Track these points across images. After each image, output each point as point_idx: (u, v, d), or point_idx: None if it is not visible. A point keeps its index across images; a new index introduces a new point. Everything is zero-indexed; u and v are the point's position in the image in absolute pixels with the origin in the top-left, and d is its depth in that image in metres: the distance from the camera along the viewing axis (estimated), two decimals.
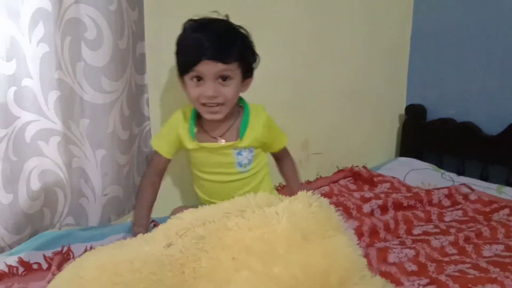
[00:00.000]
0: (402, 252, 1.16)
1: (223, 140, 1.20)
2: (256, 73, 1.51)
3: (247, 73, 1.19)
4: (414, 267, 1.11)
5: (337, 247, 0.77)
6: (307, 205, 0.80)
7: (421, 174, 1.75)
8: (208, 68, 1.10)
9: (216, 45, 1.10)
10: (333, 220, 0.80)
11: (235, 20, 1.31)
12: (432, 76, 1.88)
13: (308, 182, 1.66)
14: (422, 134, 1.88)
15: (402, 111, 1.94)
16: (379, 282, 0.79)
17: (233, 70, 1.13)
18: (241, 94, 1.23)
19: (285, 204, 0.81)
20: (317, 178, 1.71)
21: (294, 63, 1.62)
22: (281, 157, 1.36)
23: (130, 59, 1.21)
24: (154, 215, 1.28)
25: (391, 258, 1.14)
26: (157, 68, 1.34)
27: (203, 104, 1.14)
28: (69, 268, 0.77)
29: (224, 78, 1.12)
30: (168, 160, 1.26)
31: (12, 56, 1.03)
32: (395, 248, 1.19)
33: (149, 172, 1.28)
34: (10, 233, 1.07)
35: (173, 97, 1.32)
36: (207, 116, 1.16)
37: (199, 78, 1.12)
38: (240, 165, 1.22)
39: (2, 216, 1.06)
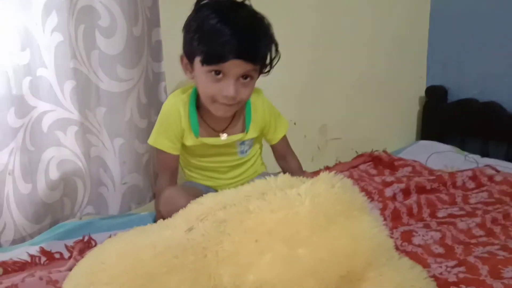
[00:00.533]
0: (427, 235, 1.13)
1: (225, 135, 1.14)
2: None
3: (263, 69, 1.10)
4: (440, 250, 1.08)
5: (363, 228, 0.74)
6: (330, 186, 0.78)
7: (443, 157, 1.70)
8: (235, 67, 1.00)
9: (246, 43, 0.99)
10: (357, 201, 0.78)
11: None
12: (453, 56, 1.82)
13: (327, 168, 1.63)
14: (444, 116, 1.83)
15: (422, 93, 1.89)
16: (407, 263, 0.77)
17: (256, 70, 1.06)
18: None
19: (307, 186, 0.79)
20: (336, 164, 1.68)
21: (310, 46, 1.59)
22: (285, 154, 1.29)
23: (146, 46, 1.20)
24: None
25: (416, 240, 1.11)
26: (175, 55, 1.32)
27: (218, 102, 1.05)
28: (91, 255, 0.77)
29: (246, 77, 1.03)
30: (175, 156, 1.16)
31: (26, 46, 1.03)
32: (420, 231, 1.16)
33: (162, 179, 1.17)
34: (30, 223, 1.08)
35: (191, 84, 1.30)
36: (217, 113, 1.07)
37: (218, 73, 1.01)
38: (242, 152, 1.21)
39: (22, 206, 1.06)
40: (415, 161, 1.65)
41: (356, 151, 1.72)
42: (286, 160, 1.30)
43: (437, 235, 1.13)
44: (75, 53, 1.09)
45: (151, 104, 1.26)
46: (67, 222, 1.18)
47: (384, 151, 1.71)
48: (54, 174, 1.12)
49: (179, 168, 1.22)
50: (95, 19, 1.09)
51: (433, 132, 1.86)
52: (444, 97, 1.84)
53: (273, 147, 1.28)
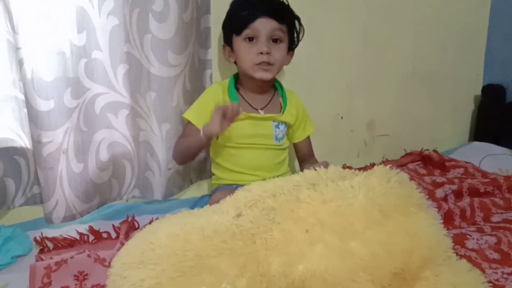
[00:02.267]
0: (482, 239, 1.07)
1: (263, 112, 1.21)
2: (321, 50, 1.46)
3: (292, 44, 1.22)
4: (496, 255, 1.02)
5: (420, 225, 0.70)
6: (385, 180, 0.75)
7: (498, 160, 1.61)
8: (263, 24, 1.13)
9: (272, 4, 1.15)
10: (414, 197, 0.74)
11: None
12: None
13: (373, 165, 1.58)
14: (500, 116, 1.73)
15: (478, 92, 1.80)
16: (465, 266, 0.72)
17: (284, 33, 1.17)
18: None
19: (360, 179, 0.76)
20: (383, 161, 1.62)
21: (360, 40, 1.54)
22: (309, 155, 1.33)
23: (194, 33, 1.20)
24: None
25: (470, 244, 1.05)
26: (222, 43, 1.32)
27: (256, 64, 1.14)
28: (140, 235, 0.77)
29: (276, 40, 1.15)
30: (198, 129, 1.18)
31: (83, 28, 1.05)
32: (473, 235, 1.10)
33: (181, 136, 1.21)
34: (81, 201, 1.10)
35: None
36: (258, 74, 1.15)
37: (251, 38, 1.14)
38: (276, 138, 1.24)
39: (74, 185, 1.09)
40: (467, 162, 1.57)
41: (404, 149, 1.66)
42: (310, 162, 1.30)
43: (492, 240, 1.08)
44: (128, 37, 1.10)
45: (195, 90, 1.26)
46: (114, 203, 1.20)
47: (435, 151, 1.64)
48: (104, 156, 1.14)
49: None
50: (149, 3, 1.09)
51: (488, 133, 1.76)
52: (502, 97, 1.74)
53: (297, 146, 1.33)
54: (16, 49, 0.98)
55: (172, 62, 1.15)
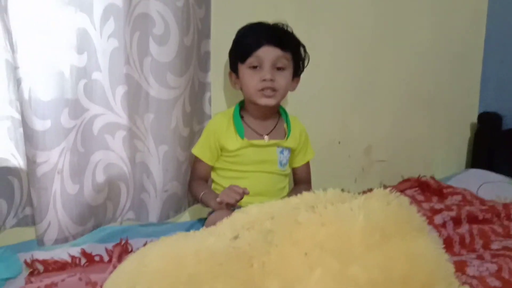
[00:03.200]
0: (483, 266, 1.05)
1: (267, 137, 1.23)
2: (317, 75, 1.47)
3: (297, 70, 1.24)
4: (497, 283, 1.00)
5: (421, 250, 0.69)
6: (385, 203, 0.73)
7: (495, 187, 1.60)
8: (267, 53, 1.15)
9: (275, 32, 1.18)
10: (415, 221, 0.73)
11: (297, 18, 1.29)
12: (509, 81, 1.74)
13: (371, 191, 1.57)
14: (497, 144, 1.74)
15: (474, 119, 1.81)
16: None
17: (288, 60, 1.18)
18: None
19: (360, 202, 0.75)
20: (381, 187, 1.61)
21: (357, 65, 1.56)
22: (304, 181, 1.34)
23: (194, 56, 1.21)
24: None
25: (471, 271, 1.03)
26: (222, 67, 1.33)
27: (260, 90, 1.16)
28: (133, 257, 0.75)
29: (280, 68, 1.17)
30: (211, 168, 1.26)
31: (84, 49, 1.05)
32: (473, 262, 1.08)
33: (193, 178, 1.26)
34: (74, 224, 1.08)
35: (236, 97, 1.30)
36: (261, 101, 1.17)
37: (256, 67, 1.16)
38: (281, 164, 1.25)
39: (68, 206, 1.07)
40: (465, 189, 1.57)
41: (402, 176, 1.65)
42: (303, 188, 1.26)
43: (493, 267, 1.06)
44: (128, 59, 1.11)
45: (194, 113, 1.26)
46: (108, 226, 1.18)
47: (432, 177, 1.63)
48: (100, 177, 1.13)
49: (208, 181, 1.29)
50: (150, 26, 1.10)
51: (485, 160, 1.77)
52: (498, 125, 1.75)
53: (296, 171, 1.33)
54: (14, 68, 0.98)
55: (172, 84, 1.16)
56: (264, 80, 1.14)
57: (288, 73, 1.19)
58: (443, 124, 1.78)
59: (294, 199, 0.82)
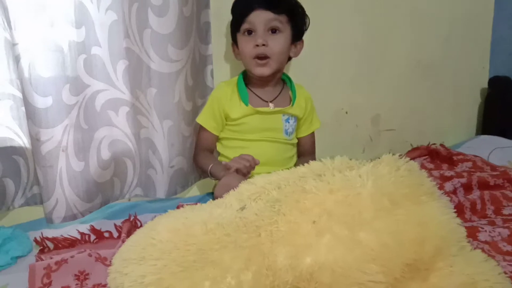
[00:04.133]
0: (494, 231, 1.04)
1: (272, 105, 1.21)
2: (322, 44, 1.44)
3: (298, 34, 1.20)
4: (509, 247, 0.98)
5: (432, 214, 0.68)
6: (395, 169, 0.72)
7: (507, 153, 1.58)
8: (258, 16, 1.13)
9: None
10: (425, 185, 0.71)
11: None
12: None
13: None
14: (508, 109, 1.70)
15: (485, 84, 1.76)
16: (480, 256, 0.69)
17: (283, 23, 1.15)
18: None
19: (368, 168, 0.73)
20: None
21: (362, 34, 1.51)
22: (309, 152, 1.32)
23: (194, 27, 1.18)
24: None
25: (482, 236, 1.02)
26: (222, 38, 1.30)
27: (254, 58, 1.14)
28: (141, 231, 0.75)
29: (274, 30, 1.14)
30: (216, 138, 1.24)
31: (82, 23, 1.03)
32: (485, 227, 1.06)
33: (198, 150, 1.25)
34: (82, 201, 1.08)
35: (238, 69, 1.28)
36: (256, 70, 1.15)
37: (250, 32, 1.15)
38: (286, 132, 1.24)
39: (75, 183, 1.07)
40: (475, 156, 1.54)
41: (411, 144, 1.62)
42: (308, 158, 1.26)
43: (505, 232, 1.04)
44: (128, 32, 1.08)
45: (197, 86, 1.24)
46: (116, 203, 1.18)
47: (442, 145, 1.60)
48: (105, 154, 1.12)
49: (213, 152, 1.28)
50: None
51: (496, 126, 1.73)
52: (509, 89, 1.71)
53: (300, 141, 1.31)
54: (12, 45, 0.96)
55: (173, 57, 1.13)
56: (257, 45, 1.13)
57: (283, 36, 1.15)
58: (452, 91, 1.74)
59: (301, 168, 0.80)
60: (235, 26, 1.18)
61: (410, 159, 1.55)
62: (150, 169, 1.19)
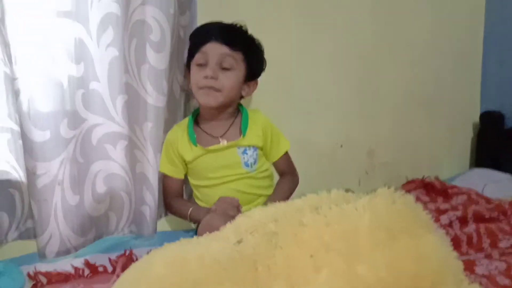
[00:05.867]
0: (491, 265, 1.03)
1: (225, 140, 1.16)
2: (317, 78, 1.47)
3: (252, 74, 1.17)
4: (507, 281, 0.98)
5: (428, 248, 0.68)
6: (391, 202, 0.72)
7: (500, 186, 1.59)
8: (213, 49, 1.11)
9: (224, 30, 1.13)
10: (421, 218, 0.71)
11: (297, 23, 1.27)
12: (509, 79, 1.73)
13: None
14: (500, 143, 1.72)
15: (477, 119, 1.80)
16: None
17: (237, 60, 1.13)
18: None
19: (365, 201, 0.74)
20: None
21: (358, 67, 1.55)
22: (285, 172, 1.26)
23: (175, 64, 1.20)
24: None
25: (480, 270, 1.02)
26: None
27: (201, 88, 1.12)
28: (138, 265, 0.74)
29: (226, 68, 1.12)
30: (181, 181, 1.20)
31: (80, 59, 1.05)
32: (482, 261, 1.06)
33: (168, 198, 1.21)
34: (76, 235, 1.07)
35: None
36: (202, 99, 1.13)
37: (203, 65, 1.12)
38: (246, 164, 1.17)
39: (69, 217, 1.06)
40: (470, 189, 1.55)
41: (406, 177, 1.63)
42: (283, 178, 1.25)
43: (502, 265, 1.04)
44: (127, 68, 1.10)
45: None
46: (111, 237, 1.16)
47: (436, 178, 1.61)
48: (101, 187, 1.12)
49: (183, 195, 1.25)
50: (146, 33, 1.10)
51: (489, 160, 1.75)
52: (500, 123, 1.74)
53: (276, 165, 1.25)
54: (12, 79, 0.98)
55: (167, 92, 1.15)
56: (205, 77, 1.10)
57: (234, 74, 1.12)
58: (445, 125, 1.77)
59: (297, 201, 0.81)
60: (190, 53, 1.16)
61: (406, 192, 1.58)
62: (143, 205, 1.18)
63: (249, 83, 1.18)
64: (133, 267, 0.75)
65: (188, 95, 1.28)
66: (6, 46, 0.97)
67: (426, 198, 1.54)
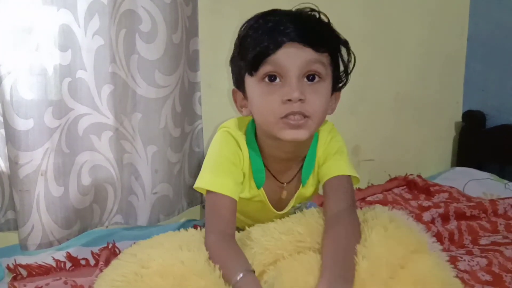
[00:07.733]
0: (473, 260, 1.06)
1: (285, 192, 0.89)
2: None
3: (338, 81, 0.85)
4: (488, 277, 1.01)
5: (426, 270, 0.68)
6: (383, 231, 0.73)
7: (481, 185, 1.62)
8: (292, 55, 0.74)
9: (304, 23, 0.76)
10: (415, 239, 0.72)
11: None
12: (492, 80, 1.76)
13: (359, 190, 1.57)
14: (482, 142, 1.75)
15: (459, 118, 1.83)
16: None
17: (325, 66, 0.78)
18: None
19: (361, 249, 0.74)
20: (368, 186, 1.62)
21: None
22: (331, 207, 0.84)
23: (184, 55, 1.19)
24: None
25: (462, 265, 1.04)
26: (211, 66, 1.30)
27: (282, 118, 0.76)
28: (130, 260, 0.71)
29: (313, 77, 0.77)
30: (236, 204, 0.84)
31: (68, 47, 1.02)
32: (464, 257, 1.08)
33: (216, 233, 0.80)
34: (59, 227, 1.05)
35: (226, 99, 1.28)
36: (287, 134, 0.77)
37: (273, 77, 0.76)
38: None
39: (53, 210, 1.04)
40: (451, 187, 1.58)
41: (389, 174, 1.65)
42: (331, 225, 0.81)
43: (483, 261, 1.06)
44: (114, 57, 1.08)
45: (185, 113, 1.23)
46: (94, 230, 1.14)
47: (419, 176, 1.64)
48: (86, 179, 1.10)
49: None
50: (136, 23, 1.08)
51: (470, 158, 1.78)
52: (482, 123, 1.77)
53: (323, 190, 0.90)
54: None
55: (160, 83, 1.13)
56: (289, 100, 0.74)
57: (323, 88, 0.78)
58: (429, 124, 1.80)
59: (297, 229, 0.78)
60: (248, 66, 0.78)
61: (389, 190, 1.59)
62: (131, 195, 1.16)
63: (335, 94, 0.87)
64: (125, 264, 0.73)
65: (195, 87, 1.24)
66: None
67: (408, 195, 1.56)
